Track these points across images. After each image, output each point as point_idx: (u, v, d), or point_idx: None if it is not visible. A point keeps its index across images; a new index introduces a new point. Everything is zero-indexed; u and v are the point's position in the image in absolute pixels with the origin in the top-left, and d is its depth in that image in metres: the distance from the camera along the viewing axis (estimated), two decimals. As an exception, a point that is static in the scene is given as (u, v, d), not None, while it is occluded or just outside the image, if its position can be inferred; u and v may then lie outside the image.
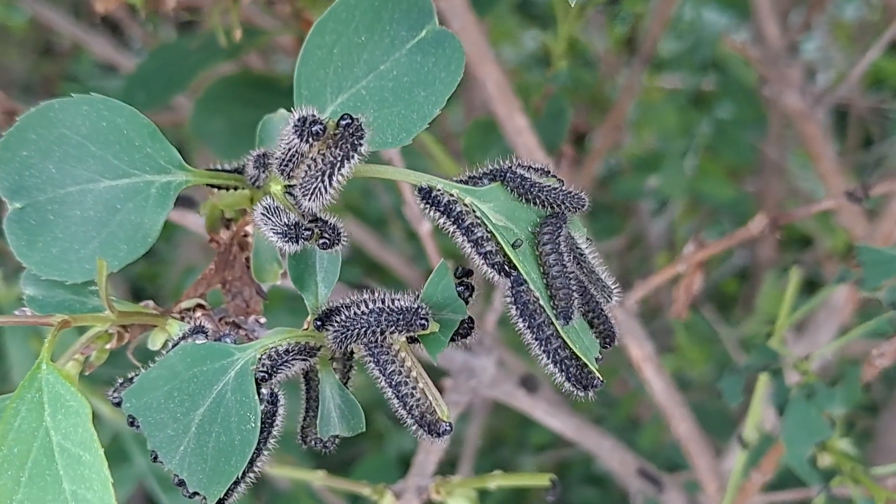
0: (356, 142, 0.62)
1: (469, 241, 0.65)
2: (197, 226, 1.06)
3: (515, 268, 0.64)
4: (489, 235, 0.65)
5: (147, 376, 0.64)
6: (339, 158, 0.62)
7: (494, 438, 2.25)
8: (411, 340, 0.66)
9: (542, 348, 0.64)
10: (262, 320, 0.75)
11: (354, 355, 0.71)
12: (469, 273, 0.68)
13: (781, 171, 2.17)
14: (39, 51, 2.41)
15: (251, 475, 0.66)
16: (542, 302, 0.63)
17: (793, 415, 0.99)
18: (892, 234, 1.39)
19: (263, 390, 0.65)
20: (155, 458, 0.64)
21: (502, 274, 0.65)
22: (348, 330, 0.64)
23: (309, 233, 0.65)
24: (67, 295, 0.70)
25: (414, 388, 0.65)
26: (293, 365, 0.67)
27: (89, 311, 0.70)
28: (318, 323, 0.67)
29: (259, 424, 0.63)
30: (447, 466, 1.55)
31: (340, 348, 0.65)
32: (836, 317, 1.44)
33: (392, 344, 0.65)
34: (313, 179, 0.62)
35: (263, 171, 0.70)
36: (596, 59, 2.33)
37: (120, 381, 0.70)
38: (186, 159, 0.68)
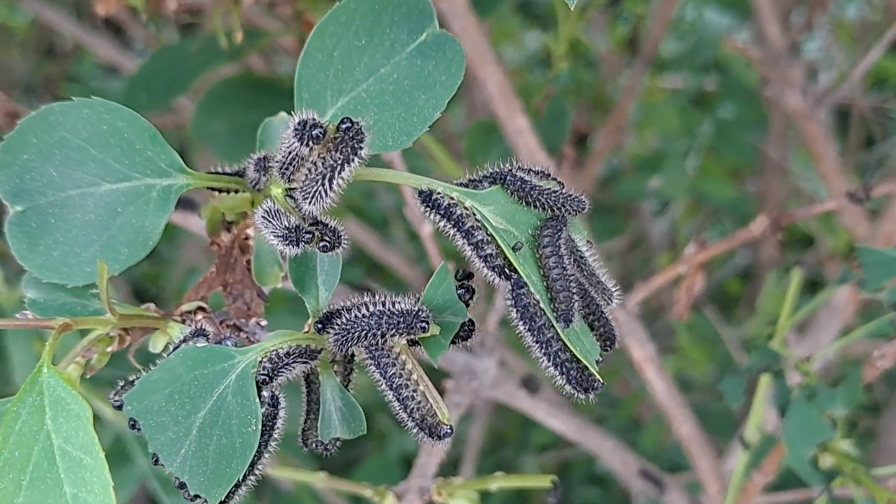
0: (356, 145, 0.62)
1: (469, 244, 0.65)
2: (199, 228, 1.06)
3: (516, 271, 0.64)
4: (489, 238, 0.65)
5: (148, 379, 0.64)
6: (340, 162, 0.62)
7: (496, 439, 2.25)
8: (412, 343, 0.66)
9: (543, 351, 0.64)
10: (263, 323, 0.75)
11: (355, 358, 0.71)
12: (470, 276, 0.68)
13: (783, 171, 2.17)
14: (41, 52, 2.41)
15: (252, 478, 0.66)
16: (542, 305, 0.63)
17: (794, 416, 0.99)
18: (893, 234, 1.39)
19: (264, 393, 0.66)
20: (156, 461, 0.64)
21: (503, 277, 0.65)
22: (349, 333, 0.64)
23: (309, 236, 0.65)
24: (69, 298, 0.70)
25: (415, 390, 0.65)
26: (294, 368, 0.67)
27: (90, 314, 0.70)
28: (319, 326, 0.67)
29: (260, 427, 0.63)
30: (449, 467, 1.56)
31: (341, 351, 0.65)
32: (838, 318, 1.44)
33: (393, 347, 0.65)
34: (314, 183, 0.63)
35: (264, 174, 0.70)
36: (598, 59, 2.33)
37: (121, 383, 0.70)
38: (188, 161, 0.69)
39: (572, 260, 0.65)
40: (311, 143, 0.62)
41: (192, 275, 1.76)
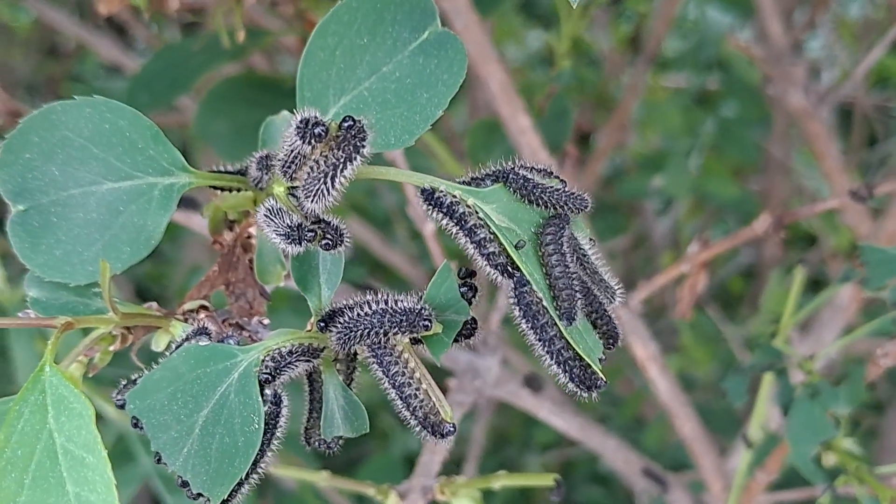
0: (358, 143, 0.62)
1: (472, 243, 0.65)
2: (202, 227, 1.06)
3: (518, 269, 0.64)
4: (492, 237, 0.65)
5: (150, 378, 0.64)
6: (342, 160, 0.62)
7: (499, 438, 2.25)
8: (415, 341, 0.66)
9: (546, 349, 0.64)
10: (266, 321, 0.75)
11: (358, 356, 0.71)
12: (472, 274, 0.68)
13: (786, 169, 2.17)
14: (44, 51, 2.41)
15: (255, 476, 0.66)
16: (545, 303, 0.63)
17: (797, 414, 0.99)
18: (896, 233, 1.38)
19: (267, 391, 0.66)
20: (159, 460, 0.64)
21: (505, 275, 0.65)
22: (351, 331, 0.64)
23: (312, 234, 0.65)
24: (71, 297, 0.70)
25: (417, 389, 0.65)
26: (297, 366, 0.67)
27: (93, 313, 0.70)
28: (322, 324, 0.67)
29: (262, 426, 0.63)
30: (452, 466, 1.56)
31: (344, 349, 0.65)
32: (841, 316, 1.44)
33: (395, 345, 0.65)
34: (316, 181, 0.62)
35: (266, 173, 0.70)
36: (600, 58, 2.33)
37: (124, 382, 0.70)
38: (191, 161, 0.68)
39: (575, 258, 0.65)
40: (313, 141, 0.62)
41: (195, 274, 1.76)
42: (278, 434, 0.66)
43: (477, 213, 0.65)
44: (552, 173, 0.67)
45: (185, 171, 0.68)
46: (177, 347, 0.68)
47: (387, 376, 0.65)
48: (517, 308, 0.64)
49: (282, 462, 1.30)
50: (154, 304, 0.74)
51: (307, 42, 0.68)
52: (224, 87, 1.40)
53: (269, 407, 0.66)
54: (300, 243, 0.65)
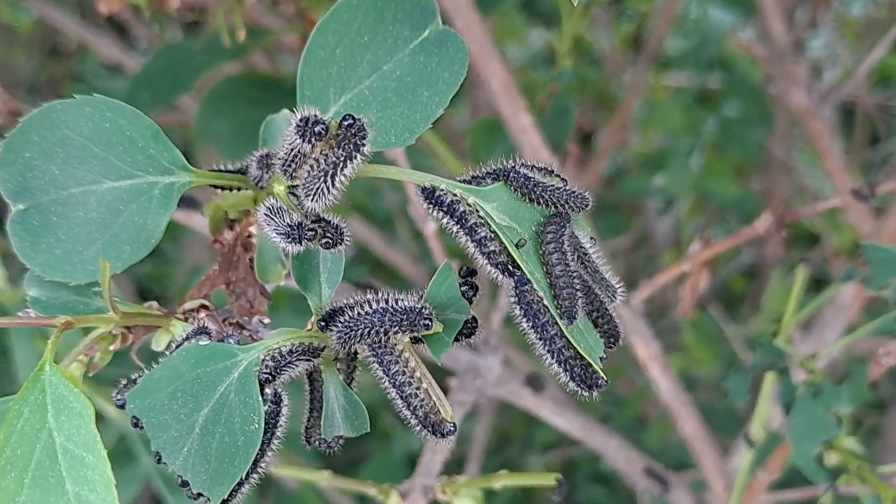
0: (358, 142, 0.62)
1: (472, 241, 0.65)
2: (202, 226, 1.06)
3: (519, 267, 0.64)
4: (493, 235, 0.65)
5: (151, 377, 0.64)
6: (342, 159, 0.62)
7: (502, 437, 2.25)
8: (415, 341, 0.66)
9: (547, 348, 0.64)
10: (266, 321, 0.74)
11: (358, 356, 0.71)
12: (473, 273, 0.68)
13: (788, 168, 2.17)
14: (45, 51, 2.41)
15: (255, 476, 0.66)
16: (545, 301, 0.63)
17: (799, 413, 0.99)
18: (898, 231, 1.38)
19: (267, 391, 0.65)
20: (159, 460, 0.64)
21: (506, 274, 0.65)
22: (352, 330, 0.64)
23: (312, 233, 0.65)
24: (71, 296, 0.70)
25: (418, 388, 0.65)
26: (297, 366, 0.67)
27: (93, 313, 0.70)
28: (322, 323, 0.67)
29: (262, 425, 0.63)
30: (454, 465, 1.56)
31: (344, 349, 0.65)
32: (843, 315, 1.44)
33: (396, 344, 0.65)
34: (316, 180, 0.62)
35: (266, 172, 0.70)
36: (602, 57, 2.33)
37: (123, 382, 0.70)
38: (193, 160, 0.68)
39: (576, 256, 0.65)
40: (313, 140, 0.62)
41: (197, 273, 1.76)
42: (278, 433, 0.66)
43: (477, 211, 0.65)
44: (553, 172, 0.67)
45: (185, 170, 0.68)
46: (177, 347, 0.68)
47: (387, 375, 0.65)
48: (518, 307, 0.64)
49: (283, 462, 1.30)
50: (154, 304, 0.73)
51: (308, 40, 0.68)
52: (225, 86, 1.40)
53: (270, 406, 0.66)
54: (300, 242, 0.65)
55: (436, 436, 0.65)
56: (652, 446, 1.89)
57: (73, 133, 0.66)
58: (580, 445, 1.65)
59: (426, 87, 0.67)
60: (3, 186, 0.66)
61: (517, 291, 0.64)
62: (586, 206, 0.66)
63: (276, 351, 0.66)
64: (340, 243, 0.66)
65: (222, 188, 0.74)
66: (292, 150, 0.63)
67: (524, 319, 0.64)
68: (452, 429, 0.65)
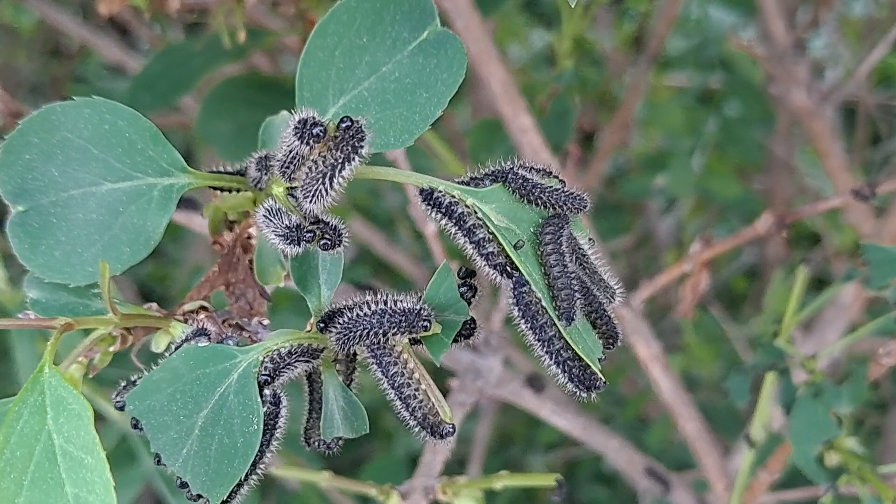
0: (357, 144, 0.62)
1: (471, 243, 0.65)
2: (202, 228, 1.06)
3: (517, 269, 0.64)
4: (491, 237, 0.65)
5: (150, 379, 0.64)
6: (340, 161, 0.62)
7: (503, 437, 2.25)
8: (414, 342, 0.66)
9: (545, 349, 0.64)
10: (266, 322, 0.75)
11: (357, 357, 0.71)
12: (472, 274, 0.68)
13: (789, 168, 2.16)
14: (47, 52, 2.41)
15: (254, 477, 0.66)
16: (544, 303, 0.63)
17: (800, 413, 0.99)
18: (899, 231, 1.38)
19: (266, 392, 0.65)
20: (158, 461, 0.64)
21: (504, 275, 0.65)
22: (351, 332, 0.64)
23: (310, 235, 0.65)
24: (71, 298, 0.70)
25: (416, 389, 0.65)
26: (296, 367, 0.67)
27: (93, 314, 0.70)
28: (321, 325, 0.67)
29: (262, 426, 0.63)
30: (456, 466, 1.56)
31: (343, 350, 0.65)
32: (844, 315, 1.44)
33: (395, 346, 0.65)
34: (314, 182, 0.62)
35: (265, 174, 0.70)
36: (603, 57, 2.33)
37: (123, 383, 0.70)
38: (194, 161, 0.68)
39: (574, 258, 0.65)
40: (311, 141, 0.62)
41: (198, 274, 1.76)
42: (277, 435, 0.66)
43: (476, 213, 0.65)
44: (551, 173, 0.67)
45: (184, 172, 0.68)
46: (176, 348, 0.68)
47: (386, 377, 0.65)
48: (516, 308, 0.64)
49: (284, 462, 1.30)
50: (154, 305, 0.74)
51: (307, 41, 0.68)
52: (226, 87, 1.40)
53: (269, 407, 0.66)
54: (299, 244, 0.65)
55: (434, 437, 0.65)
56: (653, 446, 1.89)
57: (73, 135, 0.66)
58: (582, 446, 1.65)
59: (425, 89, 0.67)
60: (2, 188, 0.66)
61: (515, 293, 0.64)
62: (584, 207, 0.66)
63: (276, 352, 0.66)
64: (339, 244, 0.66)
65: (221, 190, 0.75)
66: (290, 151, 0.63)
67: (522, 321, 0.64)
68: (451, 430, 0.65)
